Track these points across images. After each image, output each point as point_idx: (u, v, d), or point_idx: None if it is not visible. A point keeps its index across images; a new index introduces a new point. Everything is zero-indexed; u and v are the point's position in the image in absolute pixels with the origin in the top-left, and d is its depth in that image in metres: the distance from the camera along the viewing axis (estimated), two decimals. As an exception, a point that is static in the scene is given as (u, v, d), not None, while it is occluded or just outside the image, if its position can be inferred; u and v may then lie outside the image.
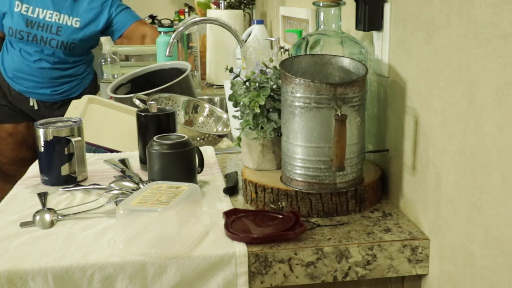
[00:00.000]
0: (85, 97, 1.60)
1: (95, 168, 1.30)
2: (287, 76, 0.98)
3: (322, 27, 1.13)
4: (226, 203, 1.07)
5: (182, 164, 1.12)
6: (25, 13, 2.44)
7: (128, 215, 0.90)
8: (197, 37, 2.48)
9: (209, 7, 2.93)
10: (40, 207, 1.05)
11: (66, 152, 1.17)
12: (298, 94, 0.96)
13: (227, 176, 1.20)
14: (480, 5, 0.74)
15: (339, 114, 0.93)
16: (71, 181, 1.19)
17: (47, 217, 0.99)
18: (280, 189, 1.01)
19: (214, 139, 1.65)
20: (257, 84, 1.09)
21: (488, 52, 0.73)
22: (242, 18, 2.58)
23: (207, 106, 1.81)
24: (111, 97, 1.80)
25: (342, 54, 1.09)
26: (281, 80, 1.01)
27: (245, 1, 3.03)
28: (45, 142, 1.16)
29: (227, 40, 2.39)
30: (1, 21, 2.49)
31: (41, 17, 2.44)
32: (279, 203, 1.02)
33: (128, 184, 1.12)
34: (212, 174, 1.24)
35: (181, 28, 2.08)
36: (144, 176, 1.21)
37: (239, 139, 1.18)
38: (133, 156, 1.37)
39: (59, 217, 1.00)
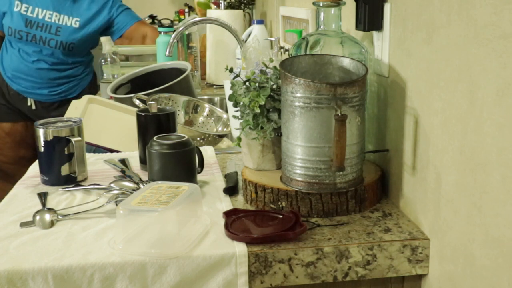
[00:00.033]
0: (85, 97, 1.60)
1: (95, 168, 1.30)
2: (287, 76, 0.98)
3: (322, 27, 1.12)
4: (226, 203, 1.07)
5: (182, 164, 1.12)
6: (24, 13, 2.44)
7: (128, 215, 0.90)
8: (197, 37, 2.48)
9: (209, 7, 2.93)
10: (40, 207, 1.05)
11: (66, 152, 1.17)
12: (298, 94, 0.96)
13: (227, 176, 1.20)
14: (480, 5, 0.74)
15: (339, 114, 0.93)
16: (71, 181, 1.19)
17: (47, 217, 0.99)
18: (280, 189, 1.01)
19: (214, 139, 1.65)
20: (257, 84, 1.09)
21: (488, 52, 0.73)
22: (242, 18, 2.58)
23: (207, 106, 1.81)
24: (111, 97, 1.80)
25: (342, 54, 1.09)
26: (281, 80, 1.01)
27: (245, 1, 3.03)
28: (45, 142, 1.16)
29: (227, 40, 2.39)
30: (0, 21, 2.49)
31: (40, 17, 2.44)
32: (279, 203, 1.02)
33: (128, 184, 1.12)
34: (212, 174, 1.24)
35: (181, 28, 2.08)
36: (144, 176, 1.21)
37: (239, 139, 1.18)
38: (133, 156, 1.37)
39: (59, 217, 1.00)
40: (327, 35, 1.12)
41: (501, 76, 0.70)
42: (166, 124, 1.29)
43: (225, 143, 1.68)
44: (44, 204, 1.07)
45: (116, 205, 0.97)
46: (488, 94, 0.73)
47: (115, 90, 1.91)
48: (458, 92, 0.81)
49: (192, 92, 1.87)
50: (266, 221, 0.98)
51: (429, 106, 0.91)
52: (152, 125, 1.28)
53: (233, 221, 0.96)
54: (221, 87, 2.39)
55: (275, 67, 1.12)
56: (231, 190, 1.13)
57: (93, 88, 2.64)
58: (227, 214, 0.98)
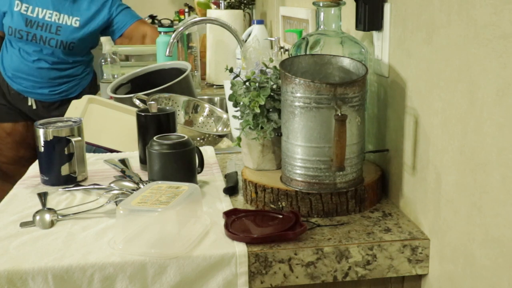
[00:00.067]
0: (85, 97, 1.60)
1: (95, 168, 1.30)
2: (287, 76, 0.98)
3: (322, 27, 1.12)
4: (226, 203, 1.07)
5: (182, 164, 1.12)
6: (24, 12, 2.44)
7: (128, 215, 0.90)
8: (197, 37, 2.48)
9: (209, 7, 2.93)
10: (40, 207, 1.05)
11: (66, 152, 1.17)
12: (298, 94, 0.96)
13: (227, 176, 1.20)
14: (480, 5, 0.74)
15: (339, 114, 0.93)
16: (71, 181, 1.19)
17: (47, 217, 0.99)
18: (280, 189, 1.01)
19: (214, 139, 1.65)
20: (257, 84, 1.09)
21: (488, 52, 0.73)
22: (242, 18, 2.58)
23: (207, 106, 1.81)
24: (111, 97, 1.80)
25: (342, 54, 1.09)
26: (281, 80, 1.01)
27: (245, 1, 3.03)
28: (45, 142, 1.16)
29: (227, 40, 2.39)
30: (1, 20, 2.50)
31: (40, 16, 2.44)
32: (279, 203, 1.02)
33: (128, 184, 1.12)
34: (212, 174, 1.24)
35: (181, 28, 2.08)
36: (144, 176, 1.21)
37: (239, 139, 1.18)
38: (133, 156, 1.37)
39: (59, 217, 1.00)
40: (327, 35, 1.12)
41: (501, 76, 0.70)
42: (166, 124, 1.29)
43: (225, 143, 1.68)
44: (44, 204, 1.07)
45: (116, 205, 0.97)
46: (488, 94, 0.73)
47: (115, 90, 1.91)
48: (458, 92, 0.81)
49: (192, 92, 1.87)
50: (266, 221, 0.98)
51: (429, 106, 0.91)
52: (152, 125, 1.28)
53: (233, 221, 0.96)
54: (221, 87, 2.39)
55: (275, 67, 1.12)
56: (231, 190, 1.13)
57: (93, 88, 2.64)
58: (227, 214, 0.98)
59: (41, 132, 1.16)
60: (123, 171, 1.25)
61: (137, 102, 1.59)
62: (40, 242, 0.92)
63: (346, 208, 1.01)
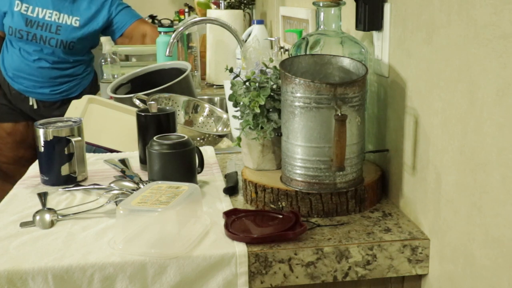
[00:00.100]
0: (85, 97, 1.60)
1: (95, 168, 1.30)
2: (287, 76, 0.98)
3: (322, 27, 1.12)
4: (226, 203, 1.07)
5: (182, 164, 1.12)
6: (24, 12, 2.44)
7: (128, 215, 0.90)
8: (197, 37, 2.48)
9: (209, 7, 2.93)
10: (40, 207, 1.05)
11: (66, 152, 1.17)
12: (298, 94, 0.96)
13: (227, 176, 1.20)
14: (480, 5, 0.74)
15: (339, 114, 0.93)
16: (71, 181, 1.19)
17: (47, 217, 0.99)
18: (280, 189, 1.01)
19: (214, 139, 1.65)
20: (257, 84, 1.09)
21: (488, 52, 0.73)
22: (242, 18, 2.58)
23: (207, 106, 1.81)
24: (111, 97, 1.80)
25: (342, 54, 1.09)
26: (281, 80, 1.01)
27: (245, 1, 3.03)
28: (45, 142, 1.16)
29: (227, 40, 2.39)
30: (1, 20, 2.50)
31: (40, 16, 2.44)
32: (279, 203, 1.02)
33: (128, 184, 1.12)
34: (212, 174, 1.24)
35: (181, 28, 2.08)
36: (144, 176, 1.21)
37: (239, 139, 1.18)
38: (133, 156, 1.37)
39: (59, 217, 1.00)
40: (327, 35, 1.12)
41: (501, 76, 0.70)
42: (166, 124, 1.29)
43: (225, 143, 1.68)
44: (44, 204, 1.07)
45: (116, 205, 0.97)
46: (488, 94, 0.73)
47: (115, 90, 1.91)
48: (458, 92, 0.81)
49: (192, 92, 1.87)
50: (266, 221, 0.98)
51: (429, 106, 0.91)
52: (152, 125, 1.28)
53: (233, 221, 0.96)
54: (221, 87, 2.39)
55: (275, 67, 1.12)
56: (231, 190, 1.13)
57: (94, 88, 2.64)
58: (227, 214, 0.98)
59: (41, 132, 1.16)
60: (123, 171, 1.25)
61: (137, 102, 1.59)
62: (40, 242, 0.92)
63: (346, 208, 1.01)
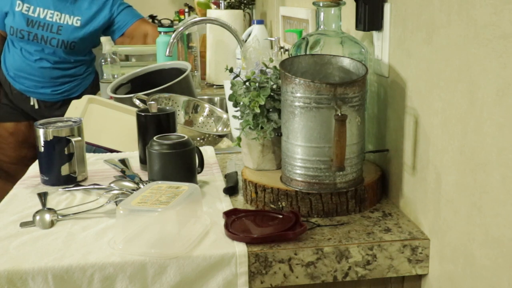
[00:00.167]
0: (85, 97, 1.60)
1: (95, 168, 1.30)
2: (287, 76, 0.98)
3: (322, 27, 1.12)
4: (226, 203, 1.07)
5: (182, 164, 1.12)
6: (26, 12, 2.45)
7: (128, 215, 0.90)
8: (197, 37, 2.48)
9: (209, 7, 2.93)
10: (40, 207, 1.05)
11: (66, 152, 1.17)
12: (298, 94, 0.96)
13: (227, 176, 1.20)
14: (480, 5, 0.74)
15: (339, 114, 0.93)
16: (71, 181, 1.19)
17: (47, 217, 0.99)
18: (280, 189, 1.01)
19: (214, 139, 1.65)
20: (257, 84, 1.09)
21: (488, 52, 0.73)
22: (242, 18, 2.58)
23: (207, 106, 1.81)
24: (111, 97, 1.80)
25: (342, 54, 1.09)
26: (281, 80, 1.01)
27: (245, 1, 3.03)
28: (45, 142, 1.16)
29: (227, 40, 2.39)
30: (2, 21, 2.50)
31: (41, 16, 2.45)
32: (279, 203, 1.02)
33: (128, 184, 1.12)
34: (212, 174, 1.24)
35: (181, 28, 2.08)
36: (144, 176, 1.21)
37: (239, 139, 1.18)
38: (133, 156, 1.37)
39: (59, 217, 1.00)
40: (327, 35, 1.12)
41: (501, 76, 0.70)
42: (166, 124, 1.29)
43: (225, 143, 1.68)
44: (44, 204, 1.07)
45: (116, 205, 0.97)
46: (488, 94, 0.73)
47: (115, 90, 1.91)
48: (458, 92, 0.81)
49: (192, 92, 1.87)
50: (266, 221, 0.98)
51: (429, 106, 0.91)
52: (152, 125, 1.28)
53: (233, 221, 0.96)
54: (221, 87, 2.39)
55: (275, 67, 1.12)
56: (231, 190, 1.13)
57: (95, 88, 2.64)
58: (227, 214, 0.98)
59: (41, 132, 1.16)
60: (123, 171, 1.25)
61: (137, 102, 1.59)
62: (40, 242, 0.92)
63: (346, 208, 1.01)
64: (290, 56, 1.14)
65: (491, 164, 0.74)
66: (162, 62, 2.19)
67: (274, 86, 1.09)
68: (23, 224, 0.98)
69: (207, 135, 1.63)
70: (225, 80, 1.84)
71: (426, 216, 0.94)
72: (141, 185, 1.12)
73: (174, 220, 0.90)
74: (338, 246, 0.90)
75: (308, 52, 1.12)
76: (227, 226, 0.93)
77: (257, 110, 1.07)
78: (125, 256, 0.86)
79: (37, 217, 0.99)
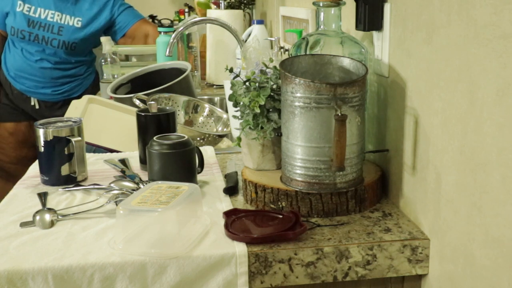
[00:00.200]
0: (85, 97, 1.60)
1: (95, 168, 1.30)
2: (287, 76, 0.98)
3: (322, 27, 1.12)
4: (226, 203, 1.07)
5: (182, 164, 1.12)
6: (27, 13, 2.45)
7: (128, 215, 0.90)
8: (197, 37, 2.48)
9: (209, 7, 2.93)
10: (40, 207, 1.05)
11: (66, 152, 1.17)
12: (298, 94, 0.96)
13: (227, 176, 1.20)
14: (480, 5, 0.74)
15: (339, 114, 0.93)
16: (71, 181, 1.19)
17: (47, 217, 0.99)
18: (280, 189, 1.01)
19: (214, 139, 1.65)
20: (257, 84, 1.09)
21: (488, 52, 0.73)
22: (242, 18, 2.58)
23: (207, 106, 1.81)
24: (111, 97, 1.80)
25: (342, 54, 1.09)
26: (281, 80, 1.01)
27: (245, 1, 3.03)
28: (45, 142, 1.16)
29: (227, 40, 2.39)
30: (3, 21, 2.50)
31: (42, 17, 2.45)
32: (279, 203, 1.02)
33: (128, 184, 1.12)
34: (212, 174, 1.24)
35: (181, 28, 2.08)
36: (144, 176, 1.21)
37: (239, 139, 1.18)
38: (133, 156, 1.37)
39: (59, 217, 1.00)
40: (327, 35, 1.12)
41: (501, 76, 0.70)
42: (166, 124, 1.29)
43: (225, 143, 1.68)
44: (44, 204, 1.07)
45: (116, 205, 0.97)
46: (488, 94, 0.73)
47: (115, 90, 1.91)
48: (458, 92, 0.81)
49: (192, 92, 1.87)
50: (266, 221, 0.98)
51: (429, 106, 0.91)
52: (152, 125, 1.28)
53: (233, 221, 0.96)
54: (221, 87, 2.39)
55: (275, 67, 1.12)
56: (231, 190, 1.13)
57: (95, 88, 2.64)
58: (227, 214, 0.98)
59: (41, 132, 1.16)
60: (123, 171, 1.25)
61: (137, 102, 1.59)
62: (40, 242, 0.92)
63: (346, 208, 1.01)
64: (290, 56, 1.14)
65: (491, 164, 0.74)
66: (162, 62, 2.19)
67: (274, 86, 1.09)
68: (23, 224, 0.98)
69: (207, 135, 1.63)
70: (225, 80, 1.84)
71: (426, 216, 0.94)
72: (141, 185, 1.12)
73: (174, 220, 0.90)
74: (338, 246, 0.90)
75: (308, 52, 1.12)
76: (227, 226, 0.93)
77: (257, 110, 1.07)
78: (125, 256, 0.86)
79: (37, 217, 0.99)
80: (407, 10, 0.98)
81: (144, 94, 1.66)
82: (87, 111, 1.54)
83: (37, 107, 2.59)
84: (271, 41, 1.96)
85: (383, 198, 1.10)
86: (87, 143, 1.36)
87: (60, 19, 2.45)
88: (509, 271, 0.71)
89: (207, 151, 1.40)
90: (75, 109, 1.54)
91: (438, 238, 0.90)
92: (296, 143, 0.99)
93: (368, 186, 1.03)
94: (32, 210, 1.03)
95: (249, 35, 2.28)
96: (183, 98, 1.78)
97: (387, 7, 1.06)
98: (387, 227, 0.97)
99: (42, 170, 1.19)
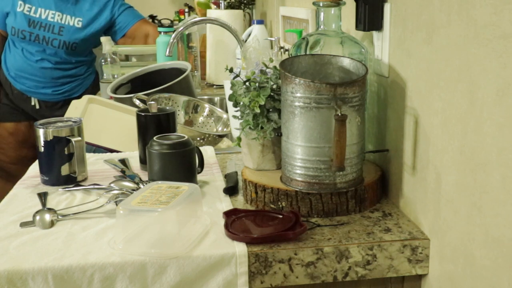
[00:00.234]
0: (85, 97, 1.60)
1: (95, 168, 1.30)
2: (287, 76, 0.98)
3: (322, 27, 1.12)
4: (226, 203, 1.07)
5: (182, 164, 1.12)
6: (27, 13, 2.45)
7: (128, 215, 0.90)
8: (197, 37, 2.48)
9: (209, 7, 2.93)
10: (40, 207, 1.05)
11: (66, 152, 1.17)
12: (298, 94, 0.96)
13: (227, 176, 1.20)
14: (480, 5, 0.74)
15: (339, 114, 0.93)
16: (71, 181, 1.19)
17: (47, 217, 0.99)
18: (280, 189, 1.01)
19: (214, 139, 1.65)
20: (257, 84, 1.09)
21: (488, 52, 0.73)
22: (242, 18, 2.58)
23: (207, 106, 1.81)
24: (111, 97, 1.80)
25: (342, 54, 1.09)
26: (281, 80, 1.01)
27: (245, 1, 3.03)
28: (45, 142, 1.16)
29: (227, 40, 2.39)
30: (4, 21, 2.50)
31: (43, 17, 2.45)
32: (279, 203, 1.02)
33: (128, 184, 1.12)
34: (212, 174, 1.24)
35: (181, 28, 2.08)
36: (144, 176, 1.21)
37: (239, 139, 1.18)
38: (133, 156, 1.37)
39: (59, 217, 1.00)
40: (327, 35, 1.12)
41: (501, 76, 0.70)
42: (166, 124, 1.29)
43: (225, 143, 1.68)
44: (44, 204, 1.07)
45: (116, 205, 0.97)
46: (488, 94, 0.73)
47: (115, 90, 1.91)
48: (458, 92, 0.81)
49: (192, 92, 1.87)
50: (266, 221, 0.98)
51: (429, 106, 0.91)
52: (152, 125, 1.28)
53: (233, 221, 0.96)
54: (221, 87, 2.39)
55: (275, 67, 1.12)
56: (231, 190, 1.13)
57: (96, 88, 2.64)
58: (227, 214, 0.98)
59: (41, 132, 1.16)
60: (123, 171, 1.25)
61: (137, 102, 1.59)
62: (40, 242, 0.92)
63: (346, 208, 1.01)
64: (290, 56, 1.14)
65: (491, 164, 0.74)
66: (162, 62, 2.19)
67: (274, 86, 1.09)
68: (23, 224, 0.98)
69: (207, 135, 1.63)
70: (225, 80, 1.84)
71: (426, 216, 0.94)
72: (141, 185, 1.12)
73: (174, 220, 0.90)
74: (338, 246, 0.90)
75: (308, 52, 1.12)
76: (227, 226, 0.93)
77: (257, 110, 1.07)
78: (125, 256, 0.86)
79: (37, 217, 0.99)
80: (407, 10, 0.98)
81: (144, 94, 1.66)
82: (87, 111, 1.54)
83: (37, 107, 2.59)
84: (271, 41, 1.96)
85: (383, 198, 1.10)
86: (87, 143, 1.36)
87: (61, 19, 2.45)
88: (509, 271, 0.71)
89: (207, 151, 1.40)
90: (75, 109, 1.54)
91: (438, 238, 0.90)
92: (296, 143, 0.99)
93: (368, 186, 1.03)
94: (32, 210, 1.03)
95: (249, 35, 2.28)
96: (183, 98, 1.78)
97: (387, 7, 1.06)
98: (387, 227, 0.97)
99: (42, 170, 1.19)
